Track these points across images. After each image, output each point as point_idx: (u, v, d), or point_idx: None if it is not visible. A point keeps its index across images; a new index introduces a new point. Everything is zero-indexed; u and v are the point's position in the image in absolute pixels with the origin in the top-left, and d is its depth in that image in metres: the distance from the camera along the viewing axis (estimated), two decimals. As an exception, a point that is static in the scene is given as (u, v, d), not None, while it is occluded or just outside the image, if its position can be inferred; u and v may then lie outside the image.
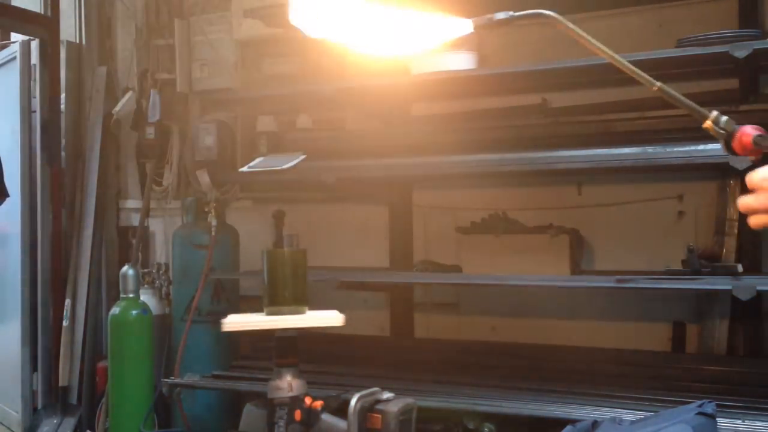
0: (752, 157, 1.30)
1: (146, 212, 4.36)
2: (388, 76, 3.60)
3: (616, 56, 1.41)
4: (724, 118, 1.31)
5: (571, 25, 1.40)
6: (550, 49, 3.21)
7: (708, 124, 1.33)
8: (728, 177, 3.31)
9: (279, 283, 2.23)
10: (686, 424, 2.28)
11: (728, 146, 1.32)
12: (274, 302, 2.13)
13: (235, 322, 2.09)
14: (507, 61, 3.56)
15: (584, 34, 1.39)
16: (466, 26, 1.49)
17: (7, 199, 3.77)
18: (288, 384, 2.07)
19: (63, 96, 4.40)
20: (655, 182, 3.51)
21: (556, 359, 3.40)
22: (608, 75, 3.27)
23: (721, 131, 1.32)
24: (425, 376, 3.32)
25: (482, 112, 3.76)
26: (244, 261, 4.06)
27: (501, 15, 1.48)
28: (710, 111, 1.31)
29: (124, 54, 4.50)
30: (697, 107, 1.34)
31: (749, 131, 1.28)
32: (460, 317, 3.94)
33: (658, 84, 1.35)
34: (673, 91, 1.35)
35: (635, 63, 2.88)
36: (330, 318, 2.29)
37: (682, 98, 1.34)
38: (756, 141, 1.28)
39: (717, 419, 2.41)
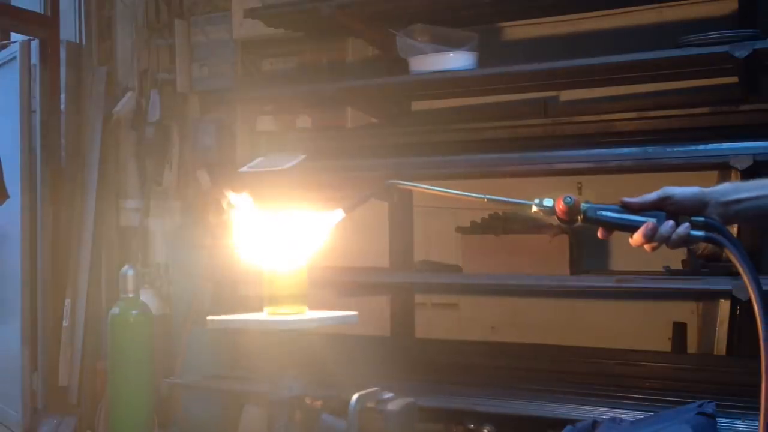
0: (579, 218, 1.49)
1: (146, 212, 4.36)
2: (388, 76, 3.61)
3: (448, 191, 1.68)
4: (545, 198, 1.51)
5: (410, 184, 1.76)
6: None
7: (535, 209, 1.51)
8: (728, 177, 3.31)
9: (279, 283, 2.23)
10: (686, 424, 2.28)
11: (557, 217, 1.50)
12: (274, 302, 2.13)
13: (220, 320, 2.09)
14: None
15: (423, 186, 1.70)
16: (338, 214, 1.76)
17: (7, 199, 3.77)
18: (288, 384, 2.07)
19: (63, 96, 4.40)
20: (655, 182, 3.50)
21: (556, 359, 3.40)
22: (608, 75, 3.28)
23: (546, 208, 1.50)
24: (425, 376, 3.32)
25: (482, 111, 3.76)
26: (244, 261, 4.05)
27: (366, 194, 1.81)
28: (533, 201, 1.51)
29: (124, 54, 4.50)
30: (519, 201, 1.54)
31: (562, 198, 1.48)
32: (460, 317, 3.94)
33: (488, 197, 1.58)
34: (497, 196, 1.59)
35: (635, 63, 2.91)
36: (331, 318, 2.29)
37: (508, 199, 1.57)
38: (565, 201, 1.47)
39: (717, 419, 2.41)
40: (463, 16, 3.62)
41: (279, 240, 1.83)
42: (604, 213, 1.49)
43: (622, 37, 3.54)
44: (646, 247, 1.47)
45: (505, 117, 3.62)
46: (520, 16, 3.77)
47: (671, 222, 1.45)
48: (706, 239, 1.45)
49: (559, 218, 1.50)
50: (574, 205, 1.48)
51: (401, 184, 1.86)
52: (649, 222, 1.45)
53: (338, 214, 1.76)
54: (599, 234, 1.51)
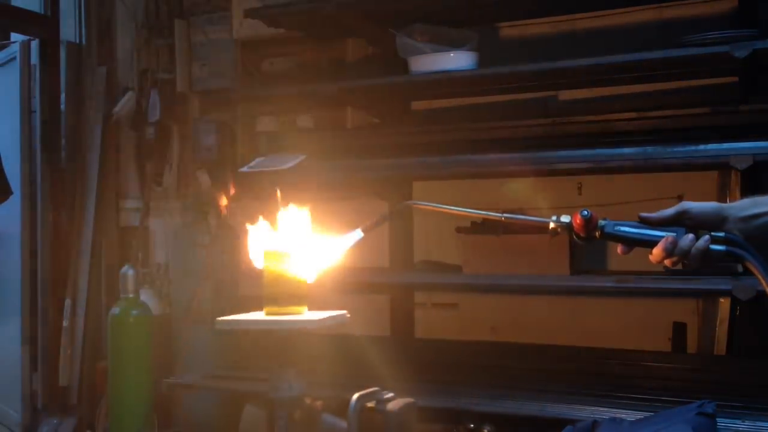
0: (597, 234, 1.48)
1: (146, 212, 4.36)
2: (388, 76, 3.61)
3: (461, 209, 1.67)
4: (562, 216, 1.50)
5: (427, 204, 1.74)
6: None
7: (553, 225, 1.50)
8: (728, 177, 3.31)
9: (279, 282, 2.23)
10: (686, 424, 2.28)
11: (575, 233, 1.49)
12: (273, 302, 2.13)
13: (229, 321, 2.09)
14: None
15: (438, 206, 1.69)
16: (356, 234, 1.80)
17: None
18: (288, 384, 2.07)
19: (63, 96, 4.40)
20: (655, 182, 3.51)
21: (556, 359, 3.40)
22: (608, 75, 3.28)
23: (563, 223, 1.49)
24: (425, 376, 3.32)
25: (482, 111, 3.76)
26: (244, 260, 4.05)
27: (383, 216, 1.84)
28: (550, 217, 1.51)
29: (124, 54, 4.49)
30: (538, 219, 1.54)
31: (578, 212, 1.48)
32: (460, 317, 3.93)
33: (505, 215, 1.58)
34: (516, 215, 1.60)
35: (636, 63, 2.92)
36: (332, 318, 2.29)
37: (527, 217, 1.60)
38: (582, 214, 1.46)
39: (717, 419, 2.41)
40: (463, 16, 3.62)
41: (292, 252, 1.96)
42: (623, 228, 1.48)
43: (622, 37, 3.54)
44: (666, 262, 1.45)
45: (505, 117, 3.61)
46: (520, 16, 3.77)
47: (691, 236, 1.43)
48: (727, 254, 1.43)
49: (576, 235, 1.48)
50: (591, 219, 1.46)
51: (418, 204, 1.91)
52: (669, 236, 1.44)
53: (356, 234, 1.79)
54: (619, 250, 1.50)
